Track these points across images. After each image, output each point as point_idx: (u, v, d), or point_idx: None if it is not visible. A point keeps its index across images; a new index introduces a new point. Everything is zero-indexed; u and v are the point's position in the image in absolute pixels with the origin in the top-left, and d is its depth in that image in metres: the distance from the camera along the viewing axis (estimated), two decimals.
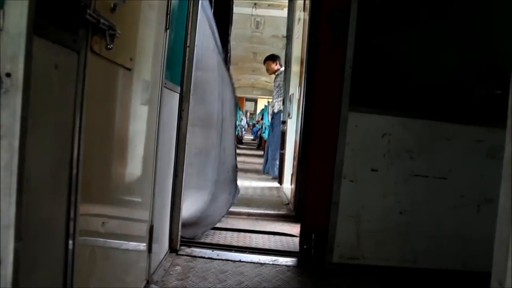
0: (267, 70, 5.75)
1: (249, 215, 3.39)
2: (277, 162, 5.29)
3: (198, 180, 2.95)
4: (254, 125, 17.30)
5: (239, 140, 12.79)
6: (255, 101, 22.15)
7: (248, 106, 23.07)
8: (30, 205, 0.88)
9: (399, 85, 2.48)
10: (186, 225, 2.76)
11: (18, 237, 0.83)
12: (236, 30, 3.93)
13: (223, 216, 3.05)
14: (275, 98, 5.43)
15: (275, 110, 5.46)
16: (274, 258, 2.58)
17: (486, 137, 2.44)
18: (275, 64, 5.50)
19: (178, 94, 2.38)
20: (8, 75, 0.78)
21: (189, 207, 2.85)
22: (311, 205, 2.53)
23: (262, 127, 11.58)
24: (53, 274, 1.08)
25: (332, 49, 2.45)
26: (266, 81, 13.01)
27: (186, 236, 2.70)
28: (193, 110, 2.54)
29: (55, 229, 1.07)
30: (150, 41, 1.75)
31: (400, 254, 2.49)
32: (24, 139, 0.81)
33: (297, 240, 2.81)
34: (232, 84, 3.08)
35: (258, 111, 20.88)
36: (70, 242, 1.13)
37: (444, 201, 2.49)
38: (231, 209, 3.21)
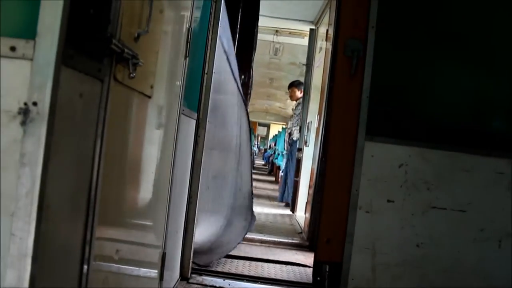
0: (291, 96, 5.71)
1: (262, 242, 3.35)
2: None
3: (214, 204, 2.93)
4: (265, 150, 17.31)
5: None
6: (268, 126, 22.23)
7: (261, 130, 23.17)
8: (47, 231, 0.88)
9: (417, 115, 2.46)
10: (200, 251, 2.73)
11: (34, 264, 0.83)
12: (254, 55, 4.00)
13: (238, 243, 3.01)
14: (294, 126, 5.40)
15: (294, 138, 5.42)
16: None
17: (507, 169, 2.39)
18: (300, 91, 5.44)
19: (195, 121, 2.40)
20: (34, 104, 0.79)
21: (204, 231, 2.82)
22: (325, 235, 2.48)
23: (274, 152, 11.57)
24: None
25: (349, 78, 2.45)
26: (280, 107, 13.08)
27: (199, 263, 2.66)
28: (213, 133, 2.55)
29: (71, 254, 1.07)
30: (169, 68, 1.78)
31: None
32: (47, 167, 0.82)
33: (310, 270, 2.75)
34: (247, 110, 3.10)
35: (271, 136, 20.94)
36: (85, 267, 1.12)
37: (463, 235, 2.41)
38: None
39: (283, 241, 3.52)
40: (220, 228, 2.90)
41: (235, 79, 2.96)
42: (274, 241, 3.47)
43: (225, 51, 2.77)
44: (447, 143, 2.42)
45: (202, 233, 2.79)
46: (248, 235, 3.34)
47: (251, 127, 3.34)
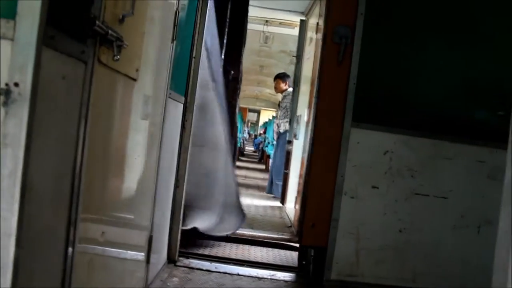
0: (275, 88, 5.67)
1: (252, 237, 3.37)
2: (281, 183, 5.23)
3: (206, 201, 2.95)
4: (256, 136, 17.32)
5: (241, 153, 12.72)
6: (258, 112, 22.22)
7: (251, 116, 23.15)
8: (31, 213, 0.89)
9: (402, 103, 2.49)
10: (199, 220, 2.74)
11: (18, 245, 0.83)
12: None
13: (231, 232, 3.02)
14: (281, 119, 5.38)
15: (281, 131, 5.41)
16: (272, 272, 2.57)
17: (488, 157, 2.45)
18: (284, 84, 5.42)
19: (182, 105, 2.40)
20: (16, 84, 0.79)
21: (197, 223, 2.84)
22: (310, 220, 2.52)
23: (264, 140, 11.58)
24: (51, 281, 1.07)
25: (337, 66, 2.47)
26: (270, 93, 13.06)
27: (199, 227, 2.66)
28: (203, 130, 2.55)
29: (55, 236, 1.08)
30: (156, 52, 1.77)
31: (399, 273, 2.47)
32: (29, 149, 0.82)
33: (296, 255, 2.80)
34: (230, 107, 3.11)
35: (261, 122, 20.92)
36: (70, 249, 1.13)
37: (444, 221, 2.48)
38: None
39: (274, 236, 3.53)
40: (212, 224, 2.92)
41: (213, 76, 2.93)
42: (264, 236, 3.48)
43: (206, 48, 2.75)
44: (431, 131, 2.47)
45: (196, 224, 2.81)
46: (239, 231, 3.34)
47: (236, 124, 3.31)
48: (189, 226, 2.65)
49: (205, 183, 2.92)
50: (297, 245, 2.91)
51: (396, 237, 2.47)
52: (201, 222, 2.90)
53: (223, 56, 3.16)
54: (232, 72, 3.81)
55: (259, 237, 3.36)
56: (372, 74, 2.47)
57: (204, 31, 2.50)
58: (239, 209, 3.10)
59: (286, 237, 3.54)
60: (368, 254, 2.46)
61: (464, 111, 2.50)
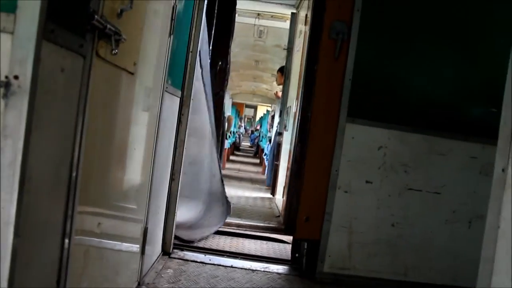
0: (277, 80, 5.79)
1: (239, 226, 3.39)
2: None
3: (192, 190, 2.98)
4: (252, 132, 17.32)
5: (236, 148, 12.73)
6: (255, 107, 22.19)
7: (247, 112, 23.13)
8: (29, 203, 0.90)
9: (397, 99, 2.51)
10: (182, 227, 2.78)
11: (17, 234, 0.85)
12: (239, 38, 3.97)
13: (219, 227, 3.07)
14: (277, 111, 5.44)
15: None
16: (266, 265, 2.60)
17: (480, 154, 2.48)
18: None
19: (179, 99, 2.41)
20: (16, 77, 0.80)
21: (184, 214, 2.87)
22: (304, 214, 2.55)
23: (259, 135, 11.60)
24: (47, 272, 1.09)
25: (333, 61, 2.49)
26: (266, 89, 13.05)
27: (183, 238, 2.71)
28: (190, 119, 2.57)
29: (52, 227, 1.09)
30: (153, 46, 1.78)
31: (391, 266, 2.51)
32: (28, 140, 0.83)
33: (289, 248, 2.83)
34: (213, 99, 3.13)
35: (258, 117, 20.91)
36: (66, 241, 1.15)
37: (436, 216, 2.52)
38: None
39: (260, 225, 3.56)
40: (200, 213, 2.96)
41: (202, 65, 2.94)
42: (251, 225, 3.51)
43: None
44: (425, 127, 2.50)
45: (183, 215, 2.84)
46: (227, 219, 3.38)
47: (223, 115, 3.33)
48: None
49: (191, 172, 2.94)
50: (289, 238, 2.94)
51: (389, 231, 2.50)
52: (188, 210, 2.93)
53: (211, 47, 3.17)
54: (220, 62, 3.83)
55: (246, 225, 3.40)
56: (367, 70, 2.49)
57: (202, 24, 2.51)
58: (224, 197, 3.14)
59: (272, 225, 3.58)
60: (361, 247, 2.49)
61: (458, 107, 2.53)
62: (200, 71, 2.80)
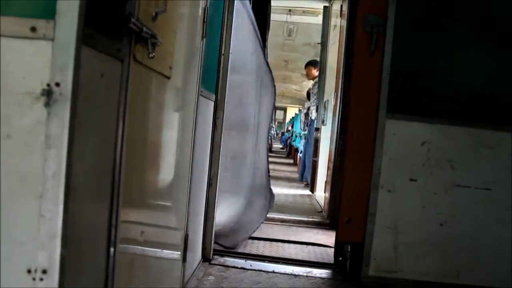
0: (307, 75, 5.71)
1: (282, 221, 3.36)
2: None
3: (233, 185, 2.93)
4: (283, 134, 17.25)
5: (269, 149, 12.71)
6: (284, 109, 22.11)
7: (277, 114, 23.06)
8: (75, 213, 0.89)
9: (438, 91, 2.39)
10: (223, 233, 2.75)
11: (64, 246, 0.83)
12: (268, 37, 3.95)
13: (262, 223, 3.02)
14: (313, 106, 5.36)
15: (313, 117, 5.39)
16: (308, 269, 2.53)
17: None
18: (316, 70, 5.42)
19: (213, 102, 2.39)
20: (57, 84, 0.79)
21: (225, 211, 2.83)
22: (345, 215, 2.46)
23: (292, 135, 11.51)
24: (95, 281, 1.08)
25: (369, 55, 2.39)
26: (296, 90, 12.96)
27: (225, 245, 2.68)
28: (230, 113, 2.54)
29: (98, 236, 1.08)
30: (187, 49, 1.76)
31: (440, 268, 2.38)
32: (71, 149, 0.81)
33: (331, 250, 2.75)
34: (274, 87, 3.06)
35: (287, 119, 20.82)
36: (112, 249, 1.13)
37: (488, 214, 2.36)
38: None
39: (304, 219, 3.52)
40: (241, 208, 2.90)
41: (258, 55, 2.91)
42: (295, 220, 3.48)
43: (253, 27, 2.73)
44: (469, 119, 2.36)
45: (223, 213, 2.80)
46: (269, 215, 3.35)
47: (274, 105, 3.24)
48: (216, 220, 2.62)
49: (232, 167, 2.90)
50: (331, 240, 2.87)
51: (437, 231, 2.37)
52: (228, 206, 2.88)
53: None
54: None
55: (290, 220, 3.36)
56: (405, 64, 2.38)
57: (245, 4, 2.48)
58: (268, 190, 3.06)
59: (316, 220, 3.53)
60: (407, 249, 2.38)
61: (503, 98, 2.38)
62: (255, 63, 2.77)
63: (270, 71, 3.05)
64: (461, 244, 2.38)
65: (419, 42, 2.40)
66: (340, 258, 2.55)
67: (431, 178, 2.37)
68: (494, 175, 2.36)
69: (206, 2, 1.95)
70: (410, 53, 2.39)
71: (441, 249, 2.38)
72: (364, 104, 2.40)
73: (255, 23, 2.82)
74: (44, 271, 0.82)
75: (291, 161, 10.37)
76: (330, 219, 3.58)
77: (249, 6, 2.75)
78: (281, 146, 16.36)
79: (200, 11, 1.92)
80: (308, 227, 3.41)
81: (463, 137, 2.37)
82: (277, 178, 6.36)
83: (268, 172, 3.10)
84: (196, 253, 2.34)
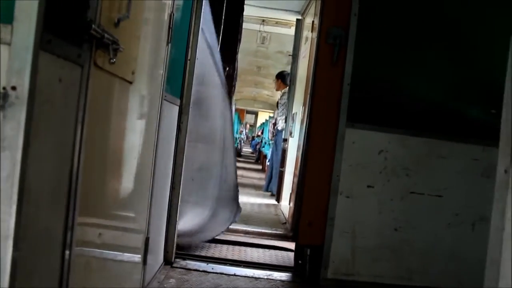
0: (276, 86, 5.78)
1: (246, 233, 3.38)
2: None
3: (199, 196, 2.96)
4: (253, 138, 17.32)
5: (238, 153, 12.74)
6: (255, 114, 22.22)
7: (249, 118, 23.16)
8: (29, 215, 0.89)
9: (396, 102, 2.51)
10: (183, 235, 2.76)
11: (16, 247, 0.84)
12: (242, 44, 3.99)
13: (222, 232, 3.05)
14: (280, 116, 5.42)
15: (279, 128, 5.45)
16: (268, 272, 2.58)
17: (481, 156, 2.47)
18: (284, 86, 5.51)
19: (178, 107, 2.41)
20: (13, 88, 0.80)
21: (188, 221, 2.85)
22: (306, 219, 2.53)
23: (261, 141, 11.60)
24: (48, 284, 1.08)
25: (331, 66, 2.49)
26: (267, 95, 13.07)
27: (181, 243, 2.69)
28: (197, 125, 2.56)
29: (53, 239, 1.08)
30: (151, 54, 1.78)
31: (395, 271, 2.49)
32: (27, 151, 0.83)
33: (292, 255, 2.81)
34: (230, 103, 3.12)
35: (259, 123, 20.95)
36: (67, 252, 1.14)
37: (439, 219, 2.50)
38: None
39: (267, 231, 3.55)
40: (204, 219, 2.94)
41: (218, 72, 2.96)
42: (259, 232, 3.50)
43: (208, 46, 2.77)
44: (425, 130, 2.49)
45: (187, 222, 2.82)
46: (233, 226, 3.37)
47: (233, 120, 3.34)
48: (179, 227, 2.64)
49: (198, 178, 2.93)
50: (292, 245, 2.93)
51: (392, 235, 2.49)
52: (193, 216, 2.91)
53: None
54: (227, 68, 3.84)
55: (254, 232, 3.39)
56: (366, 75, 2.49)
57: (203, 30, 2.51)
58: (235, 203, 3.11)
59: (280, 232, 3.57)
60: (364, 252, 2.47)
61: (457, 109, 2.53)
62: (218, 79, 2.81)
63: (234, 86, 3.11)
64: (414, 248, 2.50)
65: (378, 54, 2.52)
66: (300, 261, 2.62)
67: (388, 185, 2.48)
68: (446, 183, 2.50)
69: (172, 7, 1.98)
70: (370, 64, 2.51)
71: (396, 253, 2.49)
72: (325, 113, 2.49)
73: (215, 38, 2.87)
74: None
75: (260, 166, 10.42)
76: (293, 231, 3.60)
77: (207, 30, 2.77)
78: (251, 150, 16.41)
79: (166, 17, 1.95)
80: (271, 239, 3.43)
81: (418, 146, 2.50)
82: (244, 186, 6.36)
83: (237, 186, 3.15)
84: (157, 256, 2.34)
